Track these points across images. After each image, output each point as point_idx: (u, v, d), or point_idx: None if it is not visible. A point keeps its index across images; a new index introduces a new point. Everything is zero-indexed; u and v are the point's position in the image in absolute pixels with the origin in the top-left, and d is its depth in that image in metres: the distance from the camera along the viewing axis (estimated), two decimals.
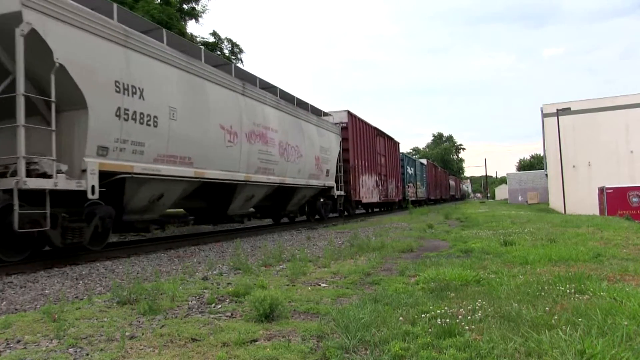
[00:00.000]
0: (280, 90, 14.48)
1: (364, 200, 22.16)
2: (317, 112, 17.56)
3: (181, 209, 14.06)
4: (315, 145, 16.33)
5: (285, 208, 15.84)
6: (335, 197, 18.40)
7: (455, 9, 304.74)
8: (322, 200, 18.22)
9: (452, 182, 72.07)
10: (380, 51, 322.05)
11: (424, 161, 46.06)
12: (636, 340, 2.75)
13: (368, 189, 22.63)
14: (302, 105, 16.39)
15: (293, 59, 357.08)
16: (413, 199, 35.95)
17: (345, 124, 20.04)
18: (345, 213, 21.84)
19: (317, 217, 18.50)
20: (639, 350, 2.59)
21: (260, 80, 13.43)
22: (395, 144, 30.43)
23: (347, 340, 3.01)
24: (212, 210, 12.46)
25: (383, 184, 25.93)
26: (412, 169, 37.42)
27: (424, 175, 43.24)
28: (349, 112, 20.51)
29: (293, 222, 19.00)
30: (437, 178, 52.51)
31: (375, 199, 24.13)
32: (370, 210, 29.53)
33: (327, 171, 17.52)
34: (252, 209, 15.25)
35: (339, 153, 18.93)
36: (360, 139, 21.70)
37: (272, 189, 13.57)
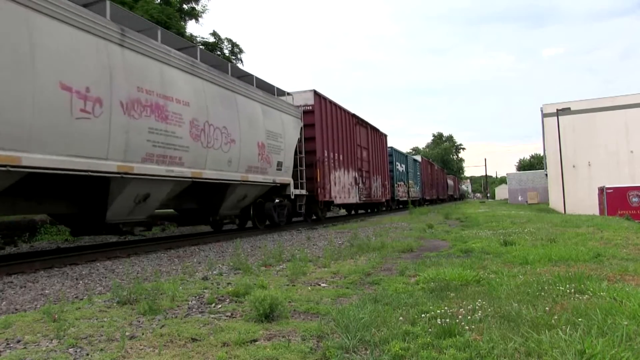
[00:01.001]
0: (202, 51, 11.15)
1: (338, 201, 18.44)
2: (266, 88, 13.74)
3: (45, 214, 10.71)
4: (258, 129, 12.43)
5: (217, 212, 11.84)
6: (293, 196, 14.60)
7: (455, 9, 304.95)
8: (277, 201, 14.53)
9: (450, 182, 69.25)
10: (380, 51, 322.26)
11: (419, 158, 42.00)
12: (636, 340, 2.75)
13: (343, 187, 18.88)
14: (243, 77, 12.78)
15: (293, 59, 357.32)
16: (404, 199, 32.69)
17: (310, 107, 16.24)
18: (314, 217, 17.99)
19: (267, 223, 14.56)
20: (639, 350, 2.59)
21: (166, 33, 9.86)
22: (381, 137, 26.48)
23: (347, 340, 3.01)
24: (82, 217, 8.63)
25: (365, 181, 22.13)
26: (404, 165, 33.88)
27: (418, 173, 39.77)
28: (315, 93, 16.59)
29: (291, 223, 18.62)
30: (433, 177, 49.09)
31: (353, 199, 20.28)
32: (354, 212, 26.66)
33: (279, 164, 13.61)
34: (164, 211, 12.25)
35: (299, 142, 15.30)
36: (333, 127, 17.96)
37: (182, 185, 9.79)
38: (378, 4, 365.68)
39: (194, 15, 25.84)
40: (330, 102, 18.17)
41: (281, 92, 14.93)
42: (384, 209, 28.98)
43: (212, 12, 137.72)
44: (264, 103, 13.09)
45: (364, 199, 22.02)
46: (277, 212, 14.33)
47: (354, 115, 21.10)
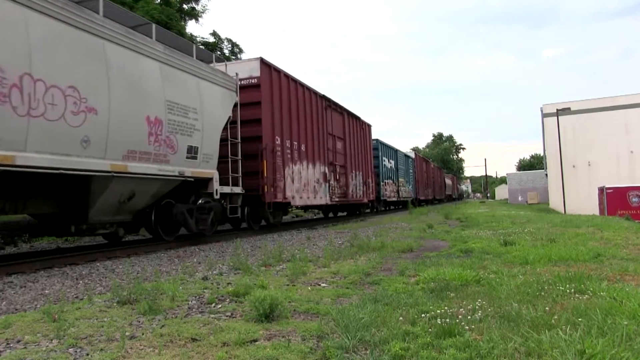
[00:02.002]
0: None
1: (298, 202, 14.73)
2: (177, 45, 10.16)
3: None
4: (150, 97, 8.78)
5: (86, 218, 8.22)
6: (217, 195, 10.80)
7: (456, 9, 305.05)
8: (201, 202, 10.50)
9: (448, 181, 66.37)
10: (380, 51, 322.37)
11: (412, 154, 38.11)
12: (636, 340, 2.75)
13: (306, 184, 15.16)
14: (140, 25, 9.25)
15: (294, 59, 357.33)
16: (393, 199, 29.31)
17: (254, 81, 12.63)
18: (263, 223, 14.12)
19: (177, 233, 10.56)
20: (639, 350, 2.59)
21: None
22: (363, 126, 22.61)
23: (347, 340, 3.01)
24: None
25: (339, 178, 18.52)
26: (392, 161, 30.08)
27: (411, 171, 36.25)
28: (263, 62, 12.96)
29: (291, 222, 18.41)
30: (428, 175, 45.52)
31: (320, 199, 16.45)
32: (334, 215, 22.86)
33: (192, 150, 9.95)
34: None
35: (233, 123, 11.84)
36: (290, 108, 14.30)
37: None
38: (378, 4, 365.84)
39: (194, 15, 25.85)
40: (287, 76, 14.34)
41: (200, 49, 11.72)
42: (368, 210, 25.32)
43: (212, 12, 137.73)
44: (165, 62, 9.21)
45: (338, 199, 18.33)
46: (195, 218, 10.21)
47: (323, 98, 17.37)
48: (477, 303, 3.75)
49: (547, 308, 3.54)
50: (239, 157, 11.98)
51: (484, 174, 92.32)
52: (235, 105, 11.83)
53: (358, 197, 21.11)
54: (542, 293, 4.09)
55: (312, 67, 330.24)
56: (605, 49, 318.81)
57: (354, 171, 20.66)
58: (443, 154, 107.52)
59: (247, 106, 12.44)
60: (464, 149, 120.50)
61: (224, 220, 12.34)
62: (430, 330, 3.15)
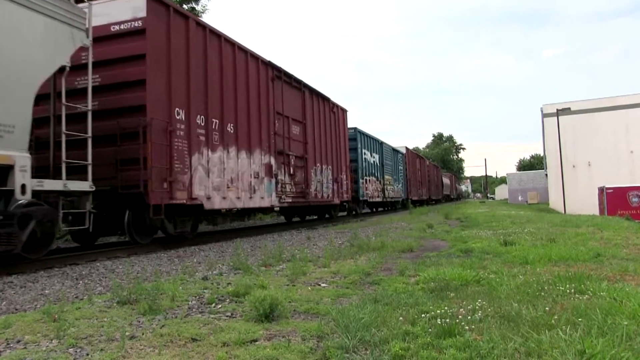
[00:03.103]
0: None
1: (216, 205, 10.52)
2: None
3: None
4: None
5: None
6: (25, 195, 6.57)
7: (456, 10, 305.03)
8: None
9: (446, 180, 62.51)
10: (381, 52, 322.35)
11: (402, 149, 33.86)
12: (636, 340, 2.75)
13: (234, 180, 11.14)
14: None
15: (294, 59, 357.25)
16: (377, 199, 25.33)
17: (138, 24, 8.89)
18: (138, 236, 9.25)
19: None
20: (639, 350, 2.59)
21: None
22: (334, 109, 18.51)
23: (347, 340, 3.00)
24: None
25: (295, 172, 14.53)
26: (377, 155, 25.86)
27: (400, 168, 32.03)
28: None
29: (291, 223, 18.02)
30: (422, 173, 41.64)
31: (261, 201, 12.40)
32: (301, 219, 18.51)
33: None
34: None
35: (74, 81, 8.51)
36: (205, 71, 10.35)
37: None
38: (380, 5, 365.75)
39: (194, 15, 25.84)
40: (203, 26, 10.56)
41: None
42: (344, 213, 21.59)
43: (212, 12, 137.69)
44: None
45: (292, 200, 14.23)
46: None
47: (270, 65, 13.39)
48: (477, 303, 3.74)
49: (547, 308, 3.54)
50: (89, 133, 7.75)
51: (484, 174, 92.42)
52: (83, 49, 7.98)
53: (325, 197, 16.99)
54: (542, 293, 4.09)
55: (312, 67, 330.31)
56: (605, 49, 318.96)
57: (318, 164, 16.42)
58: (443, 154, 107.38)
59: (125, 62, 8.88)
60: (464, 149, 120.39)
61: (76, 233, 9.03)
62: (430, 330, 3.15)
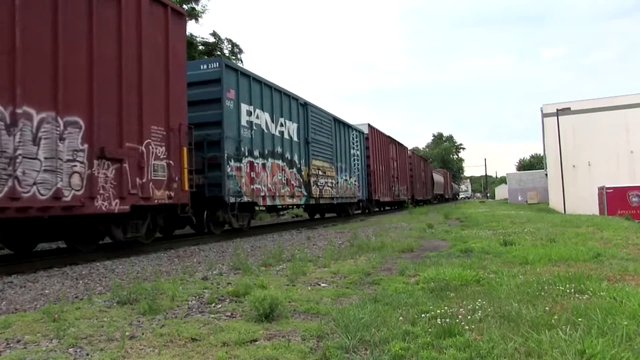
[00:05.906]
0: None
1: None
2: None
3: None
4: None
5: None
6: None
7: (456, 10, 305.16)
8: None
9: (438, 177, 52.43)
10: (381, 52, 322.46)
11: (363, 128, 23.10)
12: (636, 340, 2.75)
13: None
14: None
15: (294, 59, 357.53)
16: (298, 202, 15.28)
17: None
18: None
19: None
20: (639, 350, 2.59)
21: None
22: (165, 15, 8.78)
23: (347, 340, 3.00)
24: None
25: (134, 166, 7.87)
26: (294, 125, 14.85)
27: (357, 154, 21.75)
28: None
29: (291, 222, 18.38)
30: (399, 165, 29.92)
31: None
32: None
33: None
34: None
35: None
36: None
37: None
38: (379, 4, 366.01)
39: (194, 15, 25.80)
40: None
41: None
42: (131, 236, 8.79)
43: (212, 12, 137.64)
44: None
45: (111, 206, 7.40)
46: None
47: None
48: (477, 303, 3.74)
49: (547, 308, 3.54)
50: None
51: (484, 174, 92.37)
52: None
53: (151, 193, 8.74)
54: (542, 293, 4.09)
55: (312, 67, 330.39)
56: (605, 49, 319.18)
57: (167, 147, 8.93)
58: (443, 154, 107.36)
59: None
60: (464, 149, 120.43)
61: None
62: (430, 330, 3.15)
